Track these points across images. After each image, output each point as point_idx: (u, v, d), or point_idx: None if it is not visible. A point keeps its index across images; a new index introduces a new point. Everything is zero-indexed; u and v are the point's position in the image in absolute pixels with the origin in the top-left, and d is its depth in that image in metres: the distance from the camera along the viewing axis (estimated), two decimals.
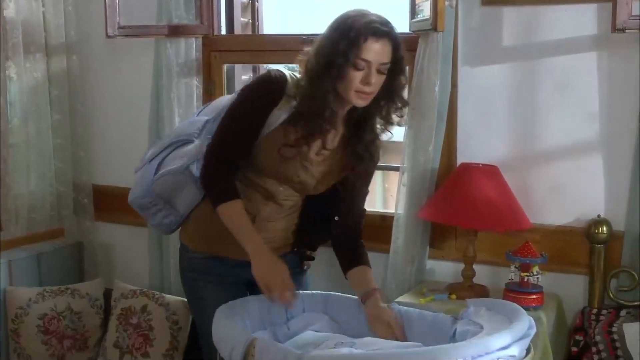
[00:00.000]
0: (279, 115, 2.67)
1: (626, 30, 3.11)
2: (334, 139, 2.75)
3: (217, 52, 4.16)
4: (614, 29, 3.11)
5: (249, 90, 2.76)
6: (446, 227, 3.59)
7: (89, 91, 4.41)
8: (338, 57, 2.54)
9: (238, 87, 4.58)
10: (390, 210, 3.78)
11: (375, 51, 2.54)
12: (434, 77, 3.39)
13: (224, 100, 3.00)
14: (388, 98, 2.67)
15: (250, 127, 2.69)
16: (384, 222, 3.70)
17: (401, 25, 3.61)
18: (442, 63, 3.40)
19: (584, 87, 3.35)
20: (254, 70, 4.78)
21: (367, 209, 2.95)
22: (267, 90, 2.70)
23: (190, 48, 4.08)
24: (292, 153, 2.70)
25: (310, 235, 2.95)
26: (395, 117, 2.73)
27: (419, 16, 3.48)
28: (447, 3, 3.26)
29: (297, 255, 2.98)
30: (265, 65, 4.28)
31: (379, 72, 2.57)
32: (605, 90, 3.31)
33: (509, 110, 3.50)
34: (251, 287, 2.80)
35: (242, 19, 4.64)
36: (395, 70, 2.62)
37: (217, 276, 2.87)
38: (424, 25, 3.35)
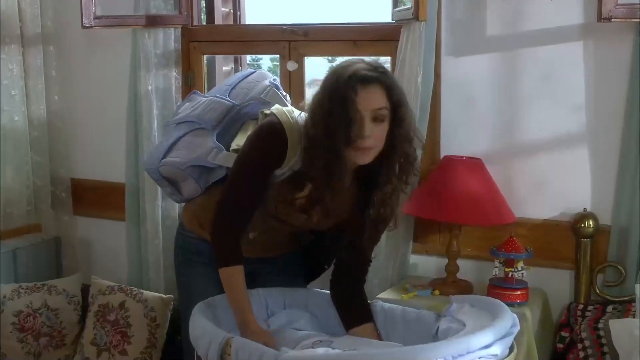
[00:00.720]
0: (281, 171, 2.55)
1: (612, 20, 3.06)
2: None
3: (196, 42, 4.09)
4: (600, 18, 3.07)
5: (259, 146, 2.61)
6: (430, 222, 3.52)
7: (66, 83, 4.33)
8: (333, 126, 2.37)
9: (219, 78, 4.53)
10: None
11: (365, 101, 2.36)
12: (416, 67, 3.33)
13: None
14: (390, 154, 2.47)
15: (262, 185, 2.57)
16: None
17: (384, 15, 3.58)
18: (425, 53, 3.33)
19: (569, 78, 3.29)
20: (236, 61, 4.73)
21: None
22: (273, 150, 2.54)
23: (168, 39, 4.01)
24: (289, 210, 2.61)
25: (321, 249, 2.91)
26: (405, 176, 2.54)
27: (401, 6, 3.42)
28: None
29: (296, 255, 2.95)
30: (247, 60, 4.23)
31: (376, 120, 2.37)
32: (592, 81, 3.26)
33: (493, 102, 3.44)
34: (247, 278, 2.69)
35: (223, 8, 4.58)
36: (394, 119, 2.41)
37: (208, 258, 2.74)
38: (406, 14, 3.29)
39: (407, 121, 2.44)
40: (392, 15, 3.47)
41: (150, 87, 3.94)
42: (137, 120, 3.99)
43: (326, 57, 4.47)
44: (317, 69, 4.02)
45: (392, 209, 2.60)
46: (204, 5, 4.49)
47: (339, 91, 2.36)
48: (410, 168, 2.53)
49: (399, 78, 3.36)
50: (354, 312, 2.69)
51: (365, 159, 2.43)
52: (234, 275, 2.59)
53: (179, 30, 4.04)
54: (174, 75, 4.03)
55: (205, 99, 3.01)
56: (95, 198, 4.33)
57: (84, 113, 4.35)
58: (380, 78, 2.38)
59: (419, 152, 2.71)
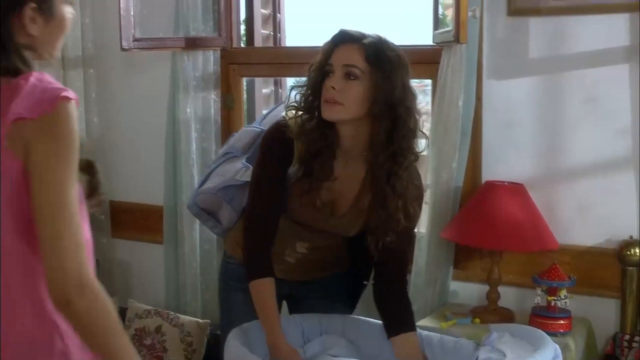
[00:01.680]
0: (295, 169, 2.58)
1: None
2: (352, 184, 2.62)
3: (235, 65, 4.08)
4: None
5: (264, 149, 2.68)
6: (470, 247, 3.45)
7: (105, 105, 4.34)
8: (313, 72, 2.52)
9: (258, 101, 4.51)
10: None
11: (339, 54, 2.47)
12: (457, 90, 3.28)
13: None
14: (389, 138, 2.48)
15: (277, 188, 2.61)
16: None
17: (425, 37, 3.53)
18: (466, 76, 3.29)
19: (614, 101, 3.22)
20: (275, 83, 4.72)
21: None
22: (278, 148, 2.61)
23: (208, 61, 4.00)
24: (309, 200, 2.60)
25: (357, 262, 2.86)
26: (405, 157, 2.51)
27: (442, 28, 3.38)
28: (470, 14, 3.15)
29: (347, 274, 2.90)
30: (288, 83, 4.21)
31: (347, 76, 2.45)
32: (637, 104, 3.18)
33: (535, 125, 3.37)
34: (288, 301, 2.81)
35: (263, 31, 4.57)
36: (379, 84, 2.43)
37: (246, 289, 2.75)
38: (446, 36, 3.24)
39: (385, 86, 2.44)
40: (433, 37, 3.42)
41: (189, 110, 3.93)
42: (175, 143, 3.98)
43: None
44: None
45: (411, 206, 2.56)
46: (244, 27, 4.49)
47: (324, 46, 2.52)
48: (400, 136, 2.48)
49: (440, 101, 3.32)
50: (394, 317, 2.66)
51: (330, 113, 2.47)
52: (262, 288, 2.61)
53: (219, 52, 4.04)
54: (213, 98, 4.02)
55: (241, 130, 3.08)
56: (134, 220, 4.32)
57: (123, 135, 4.35)
58: (360, 39, 2.46)
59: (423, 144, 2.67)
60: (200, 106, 3.98)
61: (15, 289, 1.86)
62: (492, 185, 3.28)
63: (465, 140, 3.36)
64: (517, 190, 3.26)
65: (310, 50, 3.63)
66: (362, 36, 2.47)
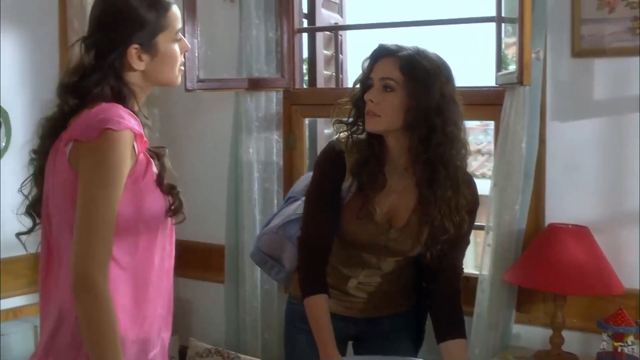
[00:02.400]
0: (349, 183, 2.66)
1: None
2: (404, 199, 2.67)
3: (298, 105, 4.11)
4: None
5: (317, 169, 2.79)
6: (533, 290, 3.41)
7: (169, 145, 4.31)
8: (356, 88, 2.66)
9: (320, 142, 4.53)
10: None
11: (378, 68, 2.58)
12: (520, 132, 3.26)
13: None
14: (426, 143, 2.54)
15: (329, 207, 2.69)
16: (468, 283, 3.52)
17: (487, 78, 3.52)
18: (530, 118, 3.27)
19: None
20: None
21: None
22: (329, 165, 2.71)
23: (270, 102, 4.04)
24: (366, 214, 2.64)
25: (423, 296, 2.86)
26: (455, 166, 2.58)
27: (505, 69, 3.37)
28: (533, 55, 3.13)
29: (411, 316, 2.90)
30: None
31: (385, 88, 2.54)
32: None
33: (600, 167, 3.33)
34: (353, 342, 2.85)
35: (325, 72, 4.59)
36: (414, 94, 2.51)
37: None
38: (509, 78, 3.23)
39: (421, 96, 2.51)
40: (496, 79, 3.40)
41: (251, 150, 3.96)
42: (238, 183, 4.01)
43: None
44: None
45: (461, 212, 2.62)
46: (306, 68, 4.52)
47: (365, 62, 2.64)
48: (433, 145, 2.53)
49: (503, 143, 3.30)
50: (444, 323, 2.71)
51: (370, 125, 2.58)
52: (316, 304, 2.69)
53: (281, 93, 4.07)
54: (275, 138, 4.05)
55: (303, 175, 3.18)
56: (195, 259, 4.34)
57: (186, 175, 4.37)
58: (396, 52, 2.55)
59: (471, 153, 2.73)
60: (263, 146, 4.01)
61: (66, 278, 2.14)
62: (556, 228, 3.24)
63: (528, 182, 3.33)
64: (581, 233, 3.22)
65: None
66: (398, 49, 2.57)
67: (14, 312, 3.89)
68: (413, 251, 2.72)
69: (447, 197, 2.58)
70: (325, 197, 2.70)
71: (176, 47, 2.30)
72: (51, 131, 2.25)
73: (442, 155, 2.54)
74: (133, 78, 2.25)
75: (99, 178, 2.09)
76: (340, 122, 2.71)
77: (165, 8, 2.27)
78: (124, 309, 2.14)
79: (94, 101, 2.17)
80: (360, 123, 2.65)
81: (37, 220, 2.36)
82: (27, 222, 2.38)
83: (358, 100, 2.64)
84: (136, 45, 2.21)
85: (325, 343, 2.65)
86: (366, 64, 2.63)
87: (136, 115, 2.22)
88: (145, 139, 2.20)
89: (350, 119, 2.68)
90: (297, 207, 2.95)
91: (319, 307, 2.69)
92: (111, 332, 2.07)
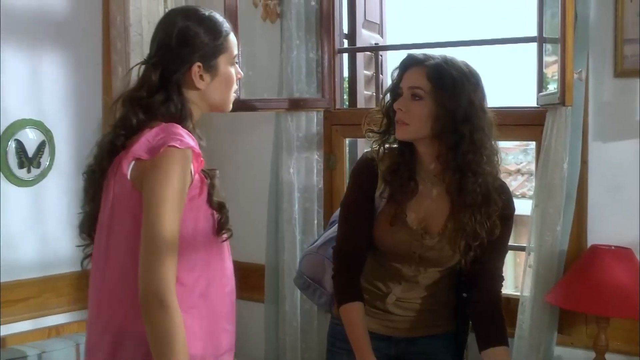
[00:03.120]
0: (381, 190, 2.72)
1: None
2: (436, 206, 2.72)
3: (338, 125, 4.12)
4: None
5: (350, 179, 2.89)
6: (575, 312, 3.38)
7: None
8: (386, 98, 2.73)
9: None
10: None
11: (406, 78, 2.63)
12: (562, 153, 3.24)
13: None
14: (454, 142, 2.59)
15: (361, 215, 2.75)
16: (509, 304, 3.52)
17: (527, 99, 3.51)
18: (571, 138, 3.25)
19: None
20: None
21: None
22: (362, 175, 2.78)
23: (311, 122, 4.05)
24: (400, 221, 2.69)
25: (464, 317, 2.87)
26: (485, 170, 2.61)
27: (546, 89, 3.36)
28: (575, 76, 3.12)
29: (449, 339, 2.90)
30: None
31: (413, 97, 2.60)
32: None
33: None
34: None
35: (365, 92, 4.61)
36: (442, 103, 2.56)
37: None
38: (551, 99, 3.21)
39: (449, 104, 2.56)
40: (537, 99, 3.39)
41: (292, 170, 3.98)
42: (278, 202, 4.02)
43: None
44: None
45: (493, 218, 2.65)
46: (347, 88, 4.53)
47: (394, 72, 2.71)
48: (464, 152, 2.58)
49: (544, 163, 3.28)
50: (485, 331, 2.73)
51: (400, 133, 2.64)
52: (351, 311, 2.74)
53: (322, 113, 4.09)
54: (316, 158, 4.06)
55: None
56: (235, 278, 4.34)
57: (226, 194, 4.40)
58: (424, 61, 2.61)
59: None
60: (303, 167, 4.02)
61: (125, 295, 2.23)
62: (599, 249, 3.21)
63: (570, 203, 3.30)
64: (624, 254, 3.18)
65: None
66: (426, 58, 2.63)
67: (57, 330, 3.93)
68: (450, 261, 2.74)
69: (477, 204, 2.63)
70: (358, 205, 2.77)
71: (233, 70, 2.44)
72: (111, 150, 2.32)
73: (470, 163, 2.58)
74: (193, 96, 2.37)
75: (163, 194, 2.15)
76: (372, 131, 2.78)
77: (227, 32, 2.42)
78: (187, 327, 2.20)
79: (158, 118, 2.29)
80: (392, 132, 2.70)
81: (88, 238, 2.42)
82: (69, 238, 2.43)
83: (388, 110, 2.70)
84: (199, 64, 2.34)
85: (362, 350, 2.69)
86: (395, 74, 2.70)
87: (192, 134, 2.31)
88: (202, 158, 2.29)
89: (382, 129, 2.74)
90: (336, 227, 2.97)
91: (354, 313, 2.74)
92: (182, 347, 2.14)
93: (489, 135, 2.62)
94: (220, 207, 2.37)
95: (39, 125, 3.91)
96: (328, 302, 3.03)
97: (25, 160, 3.86)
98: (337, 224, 2.94)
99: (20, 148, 3.83)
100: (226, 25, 2.43)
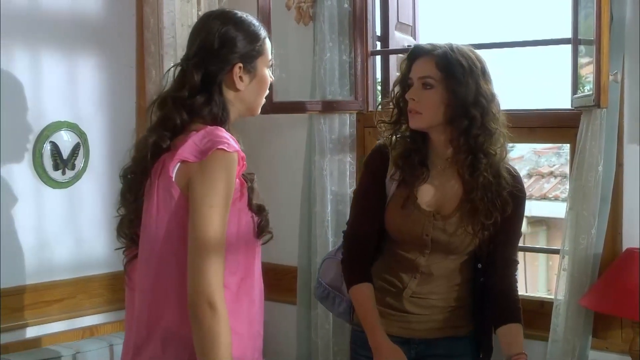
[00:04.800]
0: (391, 174, 2.82)
1: None
2: (446, 188, 2.80)
3: (371, 127, 4.09)
4: None
5: (363, 166, 3.02)
6: (611, 316, 3.35)
7: None
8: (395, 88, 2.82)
9: None
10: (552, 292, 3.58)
11: (416, 68, 2.73)
12: (597, 155, 3.21)
13: None
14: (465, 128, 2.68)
15: (372, 200, 2.85)
16: (543, 308, 3.51)
17: (563, 101, 3.48)
18: (606, 141, 3.22)
19: None
20: None
21: (526, 293, 2.81)
22: (374, 162, 2.89)
23: (344, 124, 4.05)
24: (412, 203, 2.77)
25: (485, 318, 2.88)
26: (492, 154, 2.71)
27: (581, 91, 3.33)
28: (611, 78, 3.09)
29: (468, 342, 2.91)
30: None
31: (424, 86, 2.69)
32: None
33: None
34: None
35: None
36: (453, 90, 2.66)
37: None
38: (586, 101, 3.19)
39: (459, 90, 2.66)
40: (572, 101, 3.36)
41: (325, 172, 3.98)
42: (311, 205, 4.03)
43: None
44: None
45: (506, 200, 2.73)
46: (379, 90, 4.52)
47: (402, 63, 2.81)
48: (473, 136, 2.68)
49: (579, 166, 3.25)
50: (500, 309, 2.81)
51: (413, 122, 2.74)
52: (361, 292, 2.83)
53: (355, 115, 4.08)
54: (349, 161, 4.05)
55: None
56: (267, 280, 4.31)
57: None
58: (432, 51, 2.71)
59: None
60: (336, 168, 4.02)
61: (171, 297, 2.27)
62: (634, 253, 3.18)
63: (605, 206, 3.27)
64: None
65: None
66: (433, 48, 2.73)
67: (91, 330, 3.96)
68: (462, 246, 2.78)
69: (488, 182, 2.71)
70: (369, 190, 2.87)
71: (268, 74, 2.51)
72: (155, 151, 2.34)
73: (482, 144, 2.68)
74: (231, 97, 2.42)
75: (211, 197, 2.19)
76: (384, 122, 2.87)
77: (264, 35, 2.49)
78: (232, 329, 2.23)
79: (200, 119, 2.34)
80: (403, 121, 2.79)
81: (127, 240, 2.45)
82: (103, 240, 2.45)
83: (399, 100, 2.80)
84: (240, 64, 2.40)
85: (373, 329, 2.76)
86: (404, 65, 2.79)
87: None
88: (245, 162, 2.32)
89: (393, 119, 2.83)
90: None
91: (364, 294, 2.82)
92: (228, 351, 2.18)
93: (497, 118, 2.72)
94: (260, 210, 2.41)
95: (73, 128, 3.95)
96: (347, 311, 3.04)
97: (60, 162, 3.89)
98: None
99: (56, 150, 3.87)
100: (263, 29, 2.48)
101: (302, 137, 4.09)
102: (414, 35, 4.75)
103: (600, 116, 3.19)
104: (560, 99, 3.69)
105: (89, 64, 4.06)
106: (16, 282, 3.75)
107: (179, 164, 2.25)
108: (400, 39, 4.55)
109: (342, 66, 4.03)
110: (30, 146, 3.81)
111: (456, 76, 2.66)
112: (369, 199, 2.86)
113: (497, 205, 2.73)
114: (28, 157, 3.80)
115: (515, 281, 2.85)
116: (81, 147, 3.97)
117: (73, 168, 3.95)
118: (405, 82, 2.77)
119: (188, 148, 2.25)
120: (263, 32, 2.48)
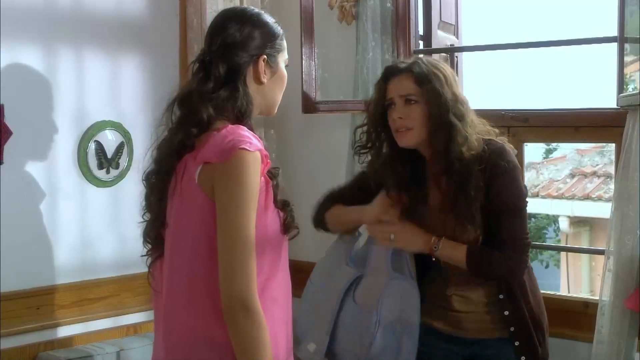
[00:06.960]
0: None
1: None
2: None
3: None
4: None
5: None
6: None
7: (285, 166, 4.39)
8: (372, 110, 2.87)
9: None
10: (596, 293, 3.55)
11: (394, 87, 2.78)
12: None
13: None
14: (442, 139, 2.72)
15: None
16: (587, 309, 3.47)
17: (609, 100, 3.45)
18: None
19: None
20: None
21: (568, 294, 2.78)
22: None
23: None
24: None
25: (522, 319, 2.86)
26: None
27: (627, 90, 3.29)
28: None
29: (506, 345, 2.89)
30: None
31: (408, 102, 2.73)
32: None
33: None
34: None
35: None
36: (433, 101, 2.69)
37: (428, 347, 2.89)
38: (632, 100, 3.15)
39: (437, 100, 2.70)
40: (617, 100, 3.32)
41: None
42: None
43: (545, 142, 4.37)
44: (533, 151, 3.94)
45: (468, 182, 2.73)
46: None
47: (377, 84, 2.88)
48: (453, 139, 2.69)
49: (625, 166, 3.22)
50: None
51: (404, 140, 2.77)
52: (333, 209, 3.13)
53: None
54: None
55: None
56: (303, 281, 4.36)
57: (301, 195, 4.40)
58: (408, 68, 2.76)
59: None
60: None
61: (198, 300, 2.26)
62: None
63: None
64: None
65: (490, 113, 3.64)
66: (406, 65, 2.79)
67: (134, 328, 3.99)
68: (466, 228, 2.76)
69: (465, 185, 2.72)
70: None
71: (285, 72, 2.51)
72: (179, 149, 2.34)
73: (460, 151, 2.69)
74: (254, 90, 2.40)
75: (237, 198, 2.17)
76: (363, 147, 2.93)
77: (282, 33, 2.50)
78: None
79: (225, 113, 2.31)
80: (383, 143, 2.87)
81: (151, 243, 2.45)
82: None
83: (377, 122, 2.85)
84: (265, 57, 2.40)
85: (351, 211, 3.01)
86: (378, 87, 2.86)
87: None
88: (269, 160, 2.27)
89: (369, 142, 2.90)
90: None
91: (335, 207, 3.07)
92: (269, 352, 2.16)
93: (474, 123, 2.78)
94: (284, 206, 2.37)
95: (118, 127, 3.98)
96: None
97: (105, 161, 3.93)
98: None
99: (100, 149, 3.91)
100: (279, 27, 2.49)
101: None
102: (456, 34, 4.73)
103: None
104: (604, 98, 3.65)
105: (133, 64, 4.10)
106: (60, 280, 3.81)
107: (201, 165, 2.24)
108: (442, 38, 4.53)
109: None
110: (75, 145, 3.86)
111: (435, 87, 2.71)
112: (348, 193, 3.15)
113: (479, 197, 2.73)
114: (73, 156, 3.85)
115: (525, 262, 2.82)
116: (125, 146, 4.01)
117: (117, 167, 3.99)
118: (382, 103, 2.81)
119: (210, 149, 2.23)
120: (280, 30, 2.49)
